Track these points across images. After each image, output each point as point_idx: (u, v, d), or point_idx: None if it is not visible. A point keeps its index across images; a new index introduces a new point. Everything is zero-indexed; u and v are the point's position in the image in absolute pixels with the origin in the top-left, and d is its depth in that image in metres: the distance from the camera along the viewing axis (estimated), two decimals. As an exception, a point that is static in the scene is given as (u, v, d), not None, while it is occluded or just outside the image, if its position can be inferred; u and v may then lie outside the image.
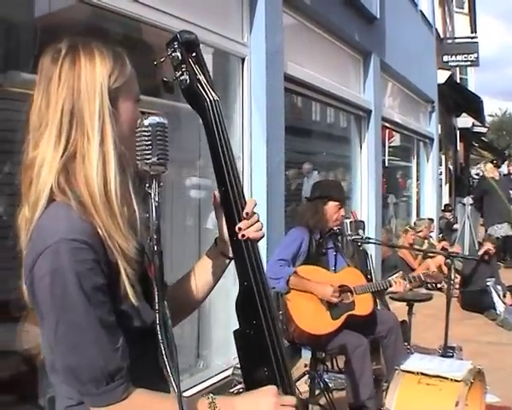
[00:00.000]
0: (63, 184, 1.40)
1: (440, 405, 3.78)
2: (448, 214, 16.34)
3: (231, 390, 4.93)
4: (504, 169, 17.43)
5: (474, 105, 21.07)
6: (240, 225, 1.54)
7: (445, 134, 20.01)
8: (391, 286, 5.04)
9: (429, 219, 13.80)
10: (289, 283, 4.71)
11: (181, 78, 1.53)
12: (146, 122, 1.41)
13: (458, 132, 24.97)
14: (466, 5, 26.11)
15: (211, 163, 1.56)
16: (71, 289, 1.31)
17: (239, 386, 4.99)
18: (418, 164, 16.44)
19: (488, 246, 10.02)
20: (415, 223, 13.38)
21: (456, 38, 21.37)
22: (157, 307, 1.36)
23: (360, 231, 5.43)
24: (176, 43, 1.52)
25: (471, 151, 30.79)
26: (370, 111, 10.38)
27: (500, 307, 9.17)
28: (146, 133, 1.40)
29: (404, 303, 5.78)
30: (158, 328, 1.34)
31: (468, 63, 19.55)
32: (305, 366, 5.05)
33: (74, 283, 1.31)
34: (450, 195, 21.28)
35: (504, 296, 9.51)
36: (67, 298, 1.31)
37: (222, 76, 6.09)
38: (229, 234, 1.59)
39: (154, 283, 1.39)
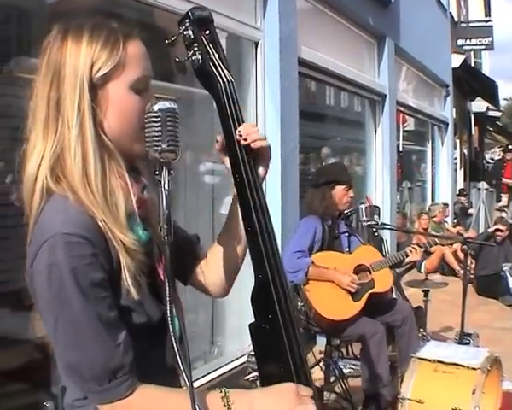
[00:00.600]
0: (56, 176, 1.37)
1: (457, 393, 3.75)
2: (463, 199, 16.22)
3: (246, 378, 4.88)
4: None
5: (488, 89, 20.88)
6: (240, 128, 1.46)
7: (459, 118, 19.79)
8: (407, 256, 4.98)
9: (444, 203, 13.68)
10: (308, 274, 4.65)
11: (193, 57, 1.46)
12: (155, 107, 1.36)
13: (473, 117, 24.72)
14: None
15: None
16: (67, 286, 1.27)
17: (254, 374, 4.93)
18: (433, 148, 16.33)
19: (499, 227, 9.94)
20: (429, 208, 13.25)
21: (470, 21, 21.09)
22: (168, 300, 1.31)
23: (375, 217, 5.34)
24: (188, 20, 1.45)
25: (485, 135, 30.55)
26: (385, 95, 10.28)
27: (515, 291, 9.07)
28: (155, 119, 1.35)
29: (420, 289, 5.69)
30: (169, 321, 1.29)
31: (483, 47, 19.35)
32: (320, 352, 4.99)
33: (70, 278, 1.27)
34: (464, 179, 21.12)
35: (516, 282, 9.43)
36: (64, 294, 1.27)
37: (235, 61, 6.02)
38: (244, 226, 1.50)
39: (163, 275, 1.34)
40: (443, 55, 15.26)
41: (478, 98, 23.29)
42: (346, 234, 5.09)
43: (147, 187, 1.50)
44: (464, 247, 4.86)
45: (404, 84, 12.74)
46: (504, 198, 15.87)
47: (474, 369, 3.81)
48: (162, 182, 1.35)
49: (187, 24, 1.46)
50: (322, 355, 4.91)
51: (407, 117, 13.63)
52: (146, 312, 1.41)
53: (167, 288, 1.31)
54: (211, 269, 1.73)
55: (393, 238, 10.05)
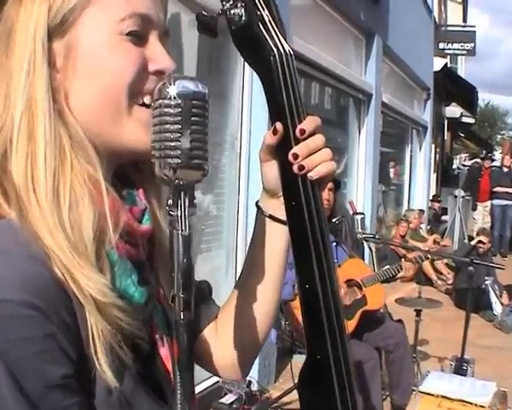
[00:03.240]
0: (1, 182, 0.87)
1: (463, 432, 3.53)
2: (436, 205, 16.04)
3: (221, 401, 4.42)
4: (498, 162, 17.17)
5: (467, 95, 20.91)
6: (295, 149, 0.97)
7: (435, 123, 19.79)
8: (400, 271, 4.72)
9: (420, 210, 13.52)
10: (295, 287, 4.21)
11: (232, 12, 0.95)
12: (172, 90, 0.83)
13: (446, 122, 24.81)
14: (460, -6, 25.83)
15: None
16: (3, 393, 0.75)
17: (230, 395, 4.48)
18: (411, 152, 16.21)
19: (481, 238, 9.64)
20: (405, 214, 13.14)
21: (453, 25, 21.15)
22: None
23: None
24: None
25: (456, 141, 30.77)
26: (371, 95, 9.98)
27: (498, 308, 8.87)
28: (172, 111, 0.82)
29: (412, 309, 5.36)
30: None
31: (465, 52, 19.36)
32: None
33: (7, 382, 0.75)
34: (436, 185, 21.09)
35: (501, 296, 9.21)
36: None
37: (220, 51, 5.56)
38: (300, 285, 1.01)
39: (171, 366, 0.87)
40: (426, 57, 15.21)
41: (453, 104, 23.31)
42: (334, 244, 4.75)
43: (148, 212, 0.99)
44: (471, 268, 4.43)
45: (389, 84, 12.42)
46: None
47: (482, 407, 3.50)
48: (179, 217, 0.83)
49: None
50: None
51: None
52: None
53: (178, 390, 0.81)
54: (220, 341, 1.19)
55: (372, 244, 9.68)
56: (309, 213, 0.97)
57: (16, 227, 0.82)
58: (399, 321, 5.24)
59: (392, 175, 15.00)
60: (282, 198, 1.03)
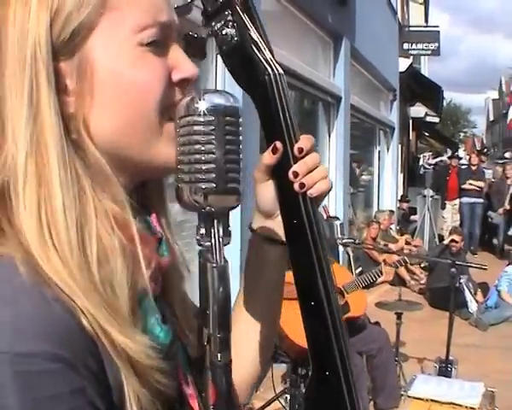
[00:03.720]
0: None
1: (455, 434, 3.60)
2: (405, 205, 16.12)
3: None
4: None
5: (432, 94, 21.05)
6: (295, 168, 0.93)
7: (400, 123, 19.96)
8: (381, 276, 4.68)
9: (390, 210, 13.57)
10: None
11: (224, 31, 0.90)
12: (202, 106, 0.74)
13: (411, 121, 25.00)
14: (422, -5, 26.00)
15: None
16: None
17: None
18: (379, 153, 16.25)
19: (454, 237, 9.70)
20: (375, 215, 13.15)
21: (417, 26, 21.29)
22: None
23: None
24: None
25: (420, 140, 31.05)
26: (340, 98, 9.95)
27: (473, 306, 8.94)
28: (202, 129, 0.74)
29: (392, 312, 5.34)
30: None
31: (429, 52, 19.45)
32: (283, 381, 4.58)
33: None
34: (403, 185, 21.22)
35: (475, 294, 9.33)
36: None
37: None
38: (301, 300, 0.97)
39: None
40: (392, 58, 15.30)
41: (417, 103, 23.48)
42: None
43: (164, 240, 0.90)
44: (453, 270, 4.43)
45: (356, 86, 12.43)
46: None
47: (472, 409, 3.60)
48: (213, 247, 0.74)
49: None
50: (286, 385, 4.44)
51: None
52: None
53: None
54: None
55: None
56: (311, 230, 0.93)
57: (22, 265, 0.70)
58: (376, 324, 5.22)
59: (359, 177, 15.05)
60: (278, 219, 0.99)
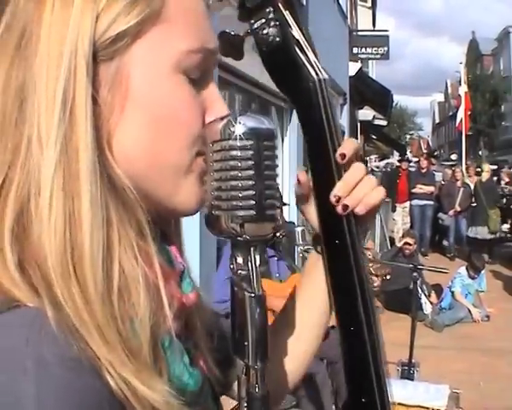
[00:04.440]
0: (18, 254, 0.65)
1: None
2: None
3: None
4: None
5: (381, 98, 21.28)
6: (336, 191, 0.86)
7: (349, 127, 20.15)
8: None
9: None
10: None
11: (265, 31, 0.83)
12: (240, 129, 0.69)
13: (359, 124, 25.27)
14: (370, -1, 26.33)
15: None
16: None
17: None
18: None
19: (408, 240, 9.80)
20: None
21: (365, 30, 21.52)
22: None
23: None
24: None
25: (367, 143, 31.42)
26: (294, 102, 9.88)
27: (427, 307, 9.05)
28: (239, 154, 0.69)
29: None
30: None
31: (378, 56, 19.66)
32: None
33: None
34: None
35: (429, 296, 9.43)
36: None
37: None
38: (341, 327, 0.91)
39: None
40: (342, 62, 15.36)
41: (365, 106, 23.73)
42: (275, 258, 4.70)
43: (187, 273, 0.82)
44: (415, 274, 4.45)
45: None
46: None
47: None
48: (250, 276, 0.70)
49: None
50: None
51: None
52: None
53: None
54: None
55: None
56: (354, 251, 0.88)
57: (48, 320, 0.60)
58: (333, 328, 5.20)
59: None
60: None
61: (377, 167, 25.23)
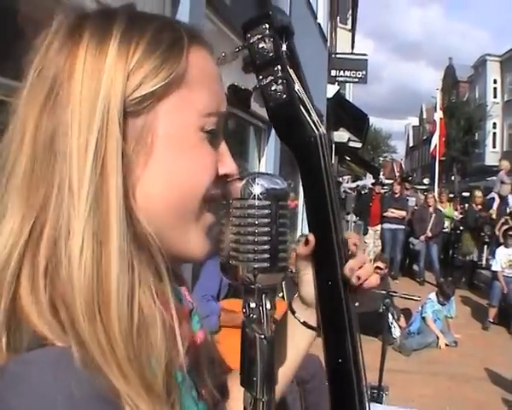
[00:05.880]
0: (48, 294, 0.70)
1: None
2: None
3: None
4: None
5: (357, 121, 21.35)
6: (351, 263, 0.95)
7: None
8: None
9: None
10: (220, 319, 4.15)
11: (272, 88, 0.89)
12: (257, 190, 0.77)
13: (334, 146, 25.38)
14: (349, 21, 26.45)
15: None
16: None
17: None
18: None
19: (379, 264, 9.83)
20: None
21: (344, 53, 21.57)
22: None
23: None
24: (266, 25, 0.88)
25: (341, 164, 31.58)
26: (271, 123, 9.88)
27: (396, 331, 9.07)
28: (256, 212, 0.77)
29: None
30: None
31: (356, 80, 19.72)
32: None
33: None
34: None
35: (398, 320, 9.47)
36: None
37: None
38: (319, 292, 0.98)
39: None
40: (321, 85, 15.38)
41: (341, 128, 23.82)
42: None
43: (195, 312, 0.90)
44: (387, 300, 4.51)
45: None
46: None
47: None
48: (263, 320, 0.78)
49: (266, 32, 0.87)
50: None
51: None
52: None
53: None
54: None
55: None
56: (349, 321, 0.97)
57: (73, 359, 0.66)
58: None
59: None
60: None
61: (350, 189, 25.39)
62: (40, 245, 0.71)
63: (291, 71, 0.91)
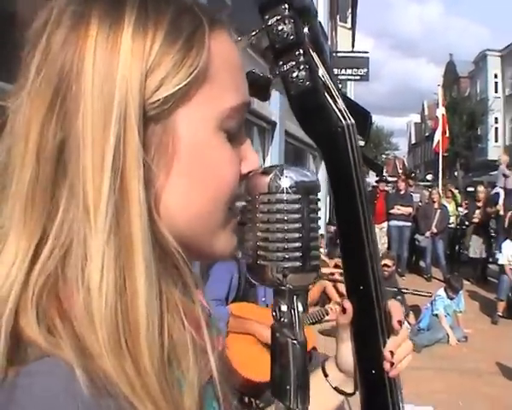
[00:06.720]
0: (49, 314, 0.62)
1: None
2: (332, 228, 16.22)
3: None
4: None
5: (360, 119, 21.21)
6: (390, 346, 0.92)
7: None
8: (327, 314, 4.71)
9: (320, 234, 13.56)
10: (228, 324, 4.05)
11: (293, 74, 0.83)
12: (286, 183, 0.71)
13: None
14: (349, 20, 26.37)
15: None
16: None
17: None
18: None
19: (386, 262, 9.79)
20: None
21: (346, 51, 21.47)
22: None
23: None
24: (286, 6, 0.80)
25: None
26: (275, 123, 9.91)
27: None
28: (286, 207, 0.70)
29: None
30: None
31: (358, 77, 19.60)
32: None
33: None
34: (330, 208, 21.40)
35: (408, 316, 9.41)
36: None
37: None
38: (358, 359, 0.96)
39: None
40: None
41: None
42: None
43: (213, 318, 0.83)
44: (399, 297, 4.47)
45: (288, 111, 12.47)
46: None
47: None
48: (295, 324, 0.74)
49: (285, 13, 0.80)
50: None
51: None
52: None
53: None
54: None
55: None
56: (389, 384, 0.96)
57: (81, 381, 0.57)
58: (314, 349, 5.21)
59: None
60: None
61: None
62: (47, 272, 0.63)
63: (314, 55, 0.84)
